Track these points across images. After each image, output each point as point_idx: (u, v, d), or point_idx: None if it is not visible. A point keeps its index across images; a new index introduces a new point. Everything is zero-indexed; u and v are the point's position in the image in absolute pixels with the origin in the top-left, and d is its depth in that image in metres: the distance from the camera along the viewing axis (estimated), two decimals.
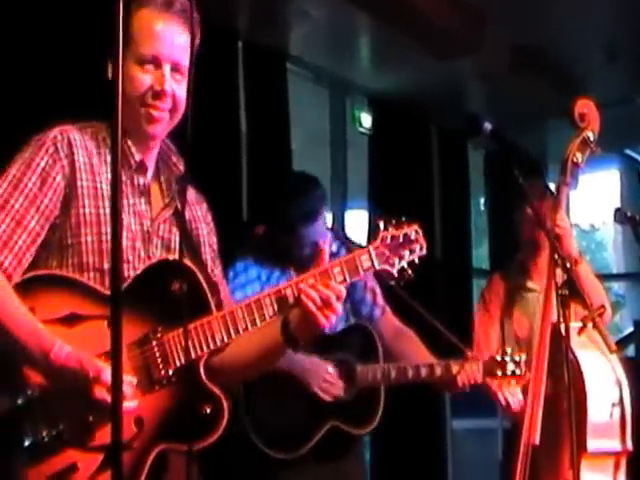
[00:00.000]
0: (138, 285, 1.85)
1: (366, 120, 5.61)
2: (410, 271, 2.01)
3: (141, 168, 1.96)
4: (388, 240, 2.00)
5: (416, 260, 2.02)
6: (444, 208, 6.13)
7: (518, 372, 2.87)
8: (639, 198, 7.25)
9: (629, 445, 2.82)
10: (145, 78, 1.90)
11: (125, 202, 1.92)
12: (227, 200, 4.26)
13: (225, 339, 1.87)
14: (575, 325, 2.49)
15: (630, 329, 5.27)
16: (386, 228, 2.01)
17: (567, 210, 3.07)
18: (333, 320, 1.91)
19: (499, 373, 2.88)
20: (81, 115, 1.98)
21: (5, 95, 3.29)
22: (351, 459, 3.00)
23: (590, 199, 8.34)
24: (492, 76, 5.28)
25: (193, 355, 1.85)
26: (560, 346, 2.53)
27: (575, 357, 2.71)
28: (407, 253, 2.01)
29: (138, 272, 1.88)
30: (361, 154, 5.63)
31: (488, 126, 2.50)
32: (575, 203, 7.05)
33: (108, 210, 1.86)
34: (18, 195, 1.82)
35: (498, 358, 2.88)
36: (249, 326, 1.88)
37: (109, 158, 1.90)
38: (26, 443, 1.72)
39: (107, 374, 1.65)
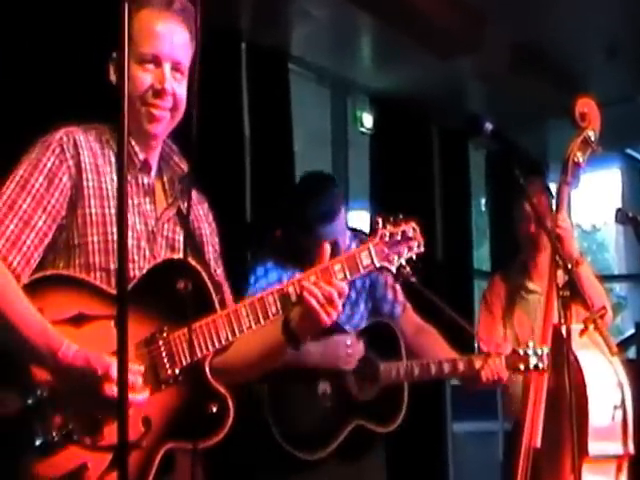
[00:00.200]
0: (144, 284, 1.87)
1: (367, 120, 5.61)
2: (408, 268, 2.02)
3: (145, 167, 1.98)
4: (387, 237, 2.02)
5: (414, 257, 2.04)
6: (445, 208, 6.13)
7: (541, 365, 2.82)
8: None
9: (631, 448, 2.80)
10: (146, 77, 1.91)
11: (130, 202, 1.93)
12: (231, 200, 4.27)
13: (230, 338, 1.89)
14: (576, 327, 2.47)
15: (632, 331, 5.24)
16: (384, 225, 2.03)
17: (568, 210, 3.05)
18: (334, 317, 1.92)
19: (522, 367, 2.83)
20: (84, 117, 1.99)
21: (9, 97, 3.30)
22: (372, 457, 3.00)
23: (591, 199, 8.31)
24: (493, 76, 5.28)
25: (199, 354, 1.86)
26: (561, 348, 2.52)
27: (576, 359, 2.69)
28: (405, 250, 2.03)
29: (144, 272, 1.89)
30: (362, 154, 5.63)
31: (489, 126, 2.49)
32: (576, 203, 7.03)
33: (114, 210, 1.88)
34: (26, 196, 1.84)
35: (521, 352, 2.84)
36: (253, 324, 1.89)
37: (113, 159, 1.93)
38: (37, 442, 1.73)
39: (115, 370, 1.66)
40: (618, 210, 3.46)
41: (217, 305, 1.94)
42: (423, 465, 5.43)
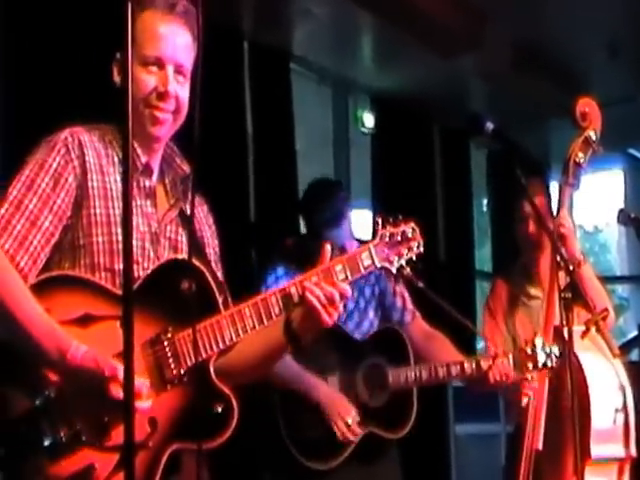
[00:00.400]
0: (149, 285, 1.87)
1: (369, 120, 5.61)
2: (408, 269, 2.03)
3: (147, 170, 1.98)
4: (387, 238, 2.02)
5: (414, 258, 2.04)
6: (446, 208, 6.12)
7: (549, 364, 2.74)
8: None
9: (633, 451, 2.80)
10: (149, 79, 1.92)
11: (133, 204, 1.92)
12: (235, 200, 4.27)
13: (234, 338, 1.89)
14: (578, 329, 2.46)
15: (634, 333, 5.23)
16: (384, 226, 2.04)
17: (570, 211, 3.04)
18: (336, 318, 1.93)
19: (530, 366, 2.76)
20: (87, 117, 1.99)
21: (14, 97, 3.30)
22: (386, 463, 3.01)
23: (593, 200, 8.29)
24: (494, 75, 5.28)
25: (203, 354, 1.87)
26: (563, 350, 2.51)
27: (578, 361, 2.69)
28: (405, 250, 2.04)
29: (148, 272, 1.90)
30: (364, 154, 5.62)
31: (490, 125, 2.49)
32: (578, 204, 7.01)
33: (118, 211, 1.89)
34: (32, 196, 1.84)
35: (528, 351, 2.76)
36: (256, 325, 1.90)
37: (117, 159, 1.93)
38: (46, 443, 1.73)
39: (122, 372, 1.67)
40: (620, 211, 3.46)
41: (221, 305, 1.95)
42: (425, 467, 5.42)
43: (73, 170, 1.88)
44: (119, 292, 1.80)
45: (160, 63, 1.92)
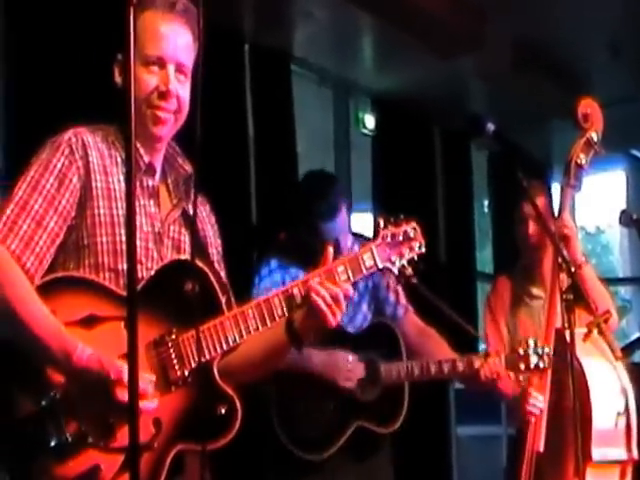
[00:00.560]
0: (152, 286, 1.88)
1: (369, 121, 5.61)
2: (410, 269, 2.02)
3: (150, 170, 1.98)
4: (388, 238, 2.02)
5: (415, 258, 2.04)
6: (447, 210, 6.11)
7: (542, 365, 2.73)
8: None
9: (635, 454, 2.80)
10: (150, 79, 1.92)
11: (136, 204, 1.93)
12: (236, 202, 4.27)
13: (237, 339, 1.90)
14: (580, 331, 2.46)
15: (637, 334, 5.23)
16: (385, 226, 2.04)
17: (572, 213, 3.03)
18: (339, 319, 1.93)
19: (522, 367, 2.75)
20: (90, 117, 2.00)
21: (17, 98, 3.30)
22: (379, 458, 3.01)
23: (595, 201, 8.28)
24: (495, 76, 5.27)
25: (207, 356, 1.87)
26: (564, 353, 2.51)
27: (580, 364, 2.68)
28: (407, 251, 2.03)
29: (152, 273, 1.90)
30: (365, 156, 5.62)
31: (491, 127, 2.49)
32: (580, 205, 7.01)
33: (122, 211, 1.89)
34: (37, 196, 1.85)
35: (521, 351, 2.76)
36: (260, 326, 1.90)
37: (120, 159, 1.94)
38: (52, 444, 1.74)
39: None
40: (622, 212, 3.45)
41: (224, 306, 1.95)
42: (427, 469, 5.42)
43: (77, 170, 1.88)
44: (123, 293, 1.80)
45: (161, 62, 1.92)
